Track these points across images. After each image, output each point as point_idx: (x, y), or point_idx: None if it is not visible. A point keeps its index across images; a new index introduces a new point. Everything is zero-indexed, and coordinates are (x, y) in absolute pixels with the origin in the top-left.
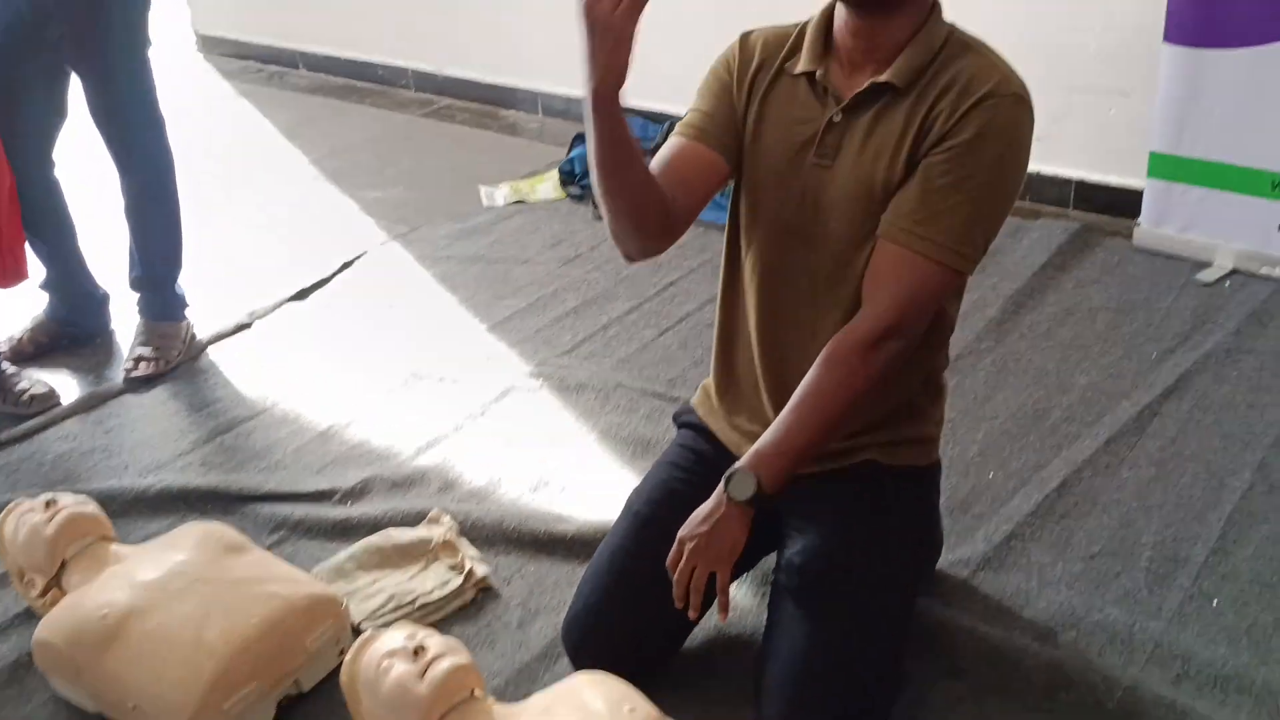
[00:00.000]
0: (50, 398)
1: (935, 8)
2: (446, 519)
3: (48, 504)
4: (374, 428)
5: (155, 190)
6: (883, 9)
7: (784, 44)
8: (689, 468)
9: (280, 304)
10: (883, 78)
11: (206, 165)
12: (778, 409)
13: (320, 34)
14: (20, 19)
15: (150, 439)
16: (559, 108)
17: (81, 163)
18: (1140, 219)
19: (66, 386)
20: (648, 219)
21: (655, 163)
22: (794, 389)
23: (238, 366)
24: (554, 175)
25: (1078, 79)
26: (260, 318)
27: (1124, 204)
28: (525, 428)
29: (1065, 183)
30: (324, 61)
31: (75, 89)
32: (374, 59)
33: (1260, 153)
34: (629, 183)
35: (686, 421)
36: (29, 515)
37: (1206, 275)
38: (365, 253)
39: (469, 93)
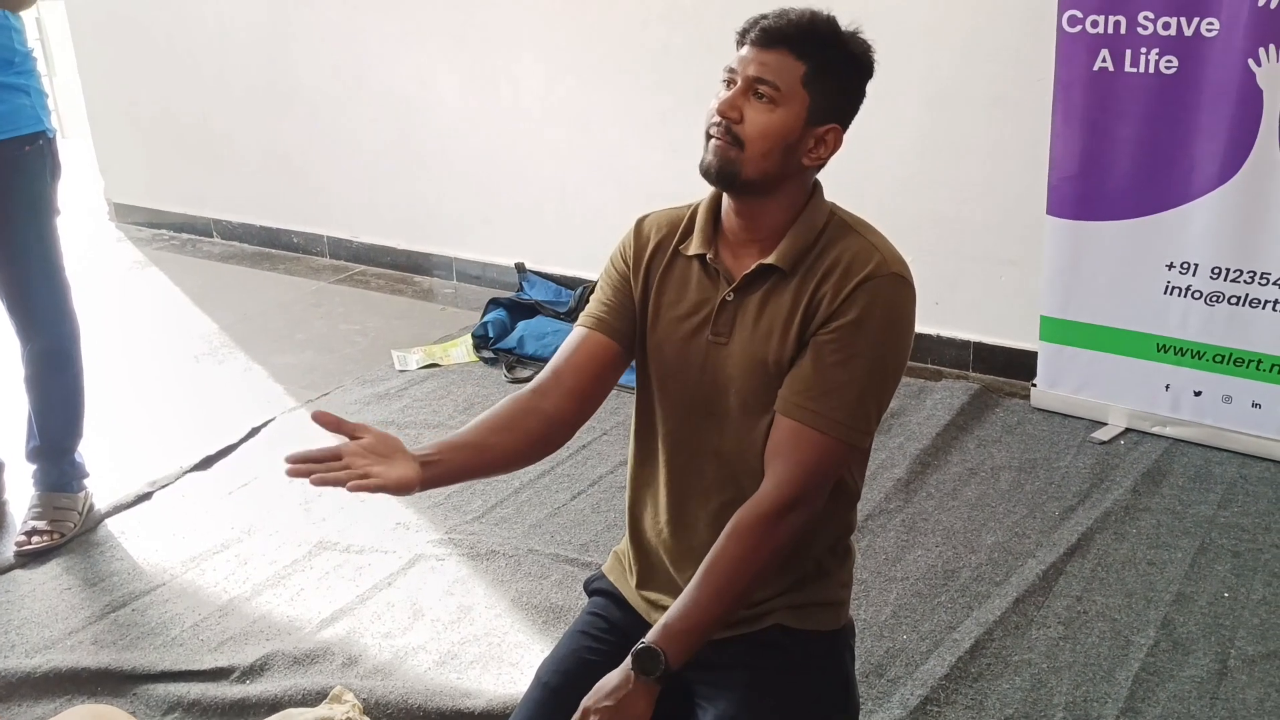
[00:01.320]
0: None
1: (816, 189)
2: (349, 697)
3: None
4: (276, 601)
5: (58, 358)
6: (758, 194)
7: (677, 226)
8: (600, 636)
9: (183, 473)
10: (768, 260)
11: (113, 333)
12: (685, 578)
13: (234, 201)
14: None
15: (40, 616)
16: (474, 273)
17: None
18: (1036, 380)
19: None
20: (533, 452)
21: (560, 353)
22: (700, 559)
23: (136, 538)
24: (467, 339)
25: (969, 248)
26: (162, 487)
27: (1020, 366)
28: (433, 598)
29: (964, 345)
30: (238, 229)
31: None
32: (289, 226)
33: (1142, 317)
34: (495, 464)
35: (598, 588)
36: None
37: (1102, 434)
38: (273, 419)
39: (384, 259)
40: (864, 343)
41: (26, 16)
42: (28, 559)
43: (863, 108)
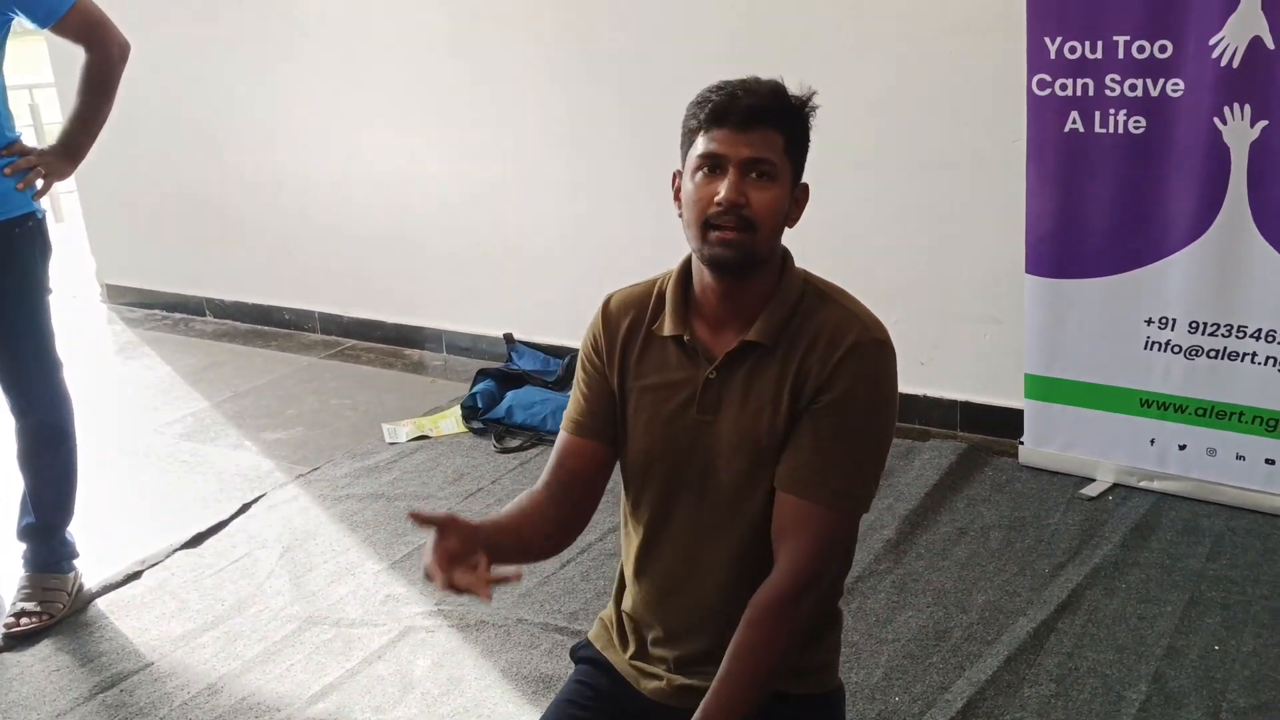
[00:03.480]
0: None
1: (786, 258)
2: None
3: None
4: (266, 677)
5: (50, 435)
6: (748, 274)
7: (645, 304)
8: (586, 704)
9: (173, 551)
10: (750, 337)
11: (105, 412)
12: (664, 647)
13: (226, 280)
14: None
15: (27, 699)
16: (463, 345)
17: None
18: (1024, 438)
19: None
20: (538, 553)
21: (552, 457)
22: (682, 631)
23: (126, 617)
24: (457, 411)
25: (953, 308)
26: (151, 565)
27: (1008, 424)
28: (423, 670)
29: (951, 404)
30: (230, 307)
31: None
32: (281, 303)
33: (1124, 372)
34: (522, 559)
35: (584, 656)
36: None
37: (1090, 490)
38: (263, 495)
39: (374, 333)
40: (858, 413)
41: (18, 101)
42: (16, 641)
43: (846, 174)
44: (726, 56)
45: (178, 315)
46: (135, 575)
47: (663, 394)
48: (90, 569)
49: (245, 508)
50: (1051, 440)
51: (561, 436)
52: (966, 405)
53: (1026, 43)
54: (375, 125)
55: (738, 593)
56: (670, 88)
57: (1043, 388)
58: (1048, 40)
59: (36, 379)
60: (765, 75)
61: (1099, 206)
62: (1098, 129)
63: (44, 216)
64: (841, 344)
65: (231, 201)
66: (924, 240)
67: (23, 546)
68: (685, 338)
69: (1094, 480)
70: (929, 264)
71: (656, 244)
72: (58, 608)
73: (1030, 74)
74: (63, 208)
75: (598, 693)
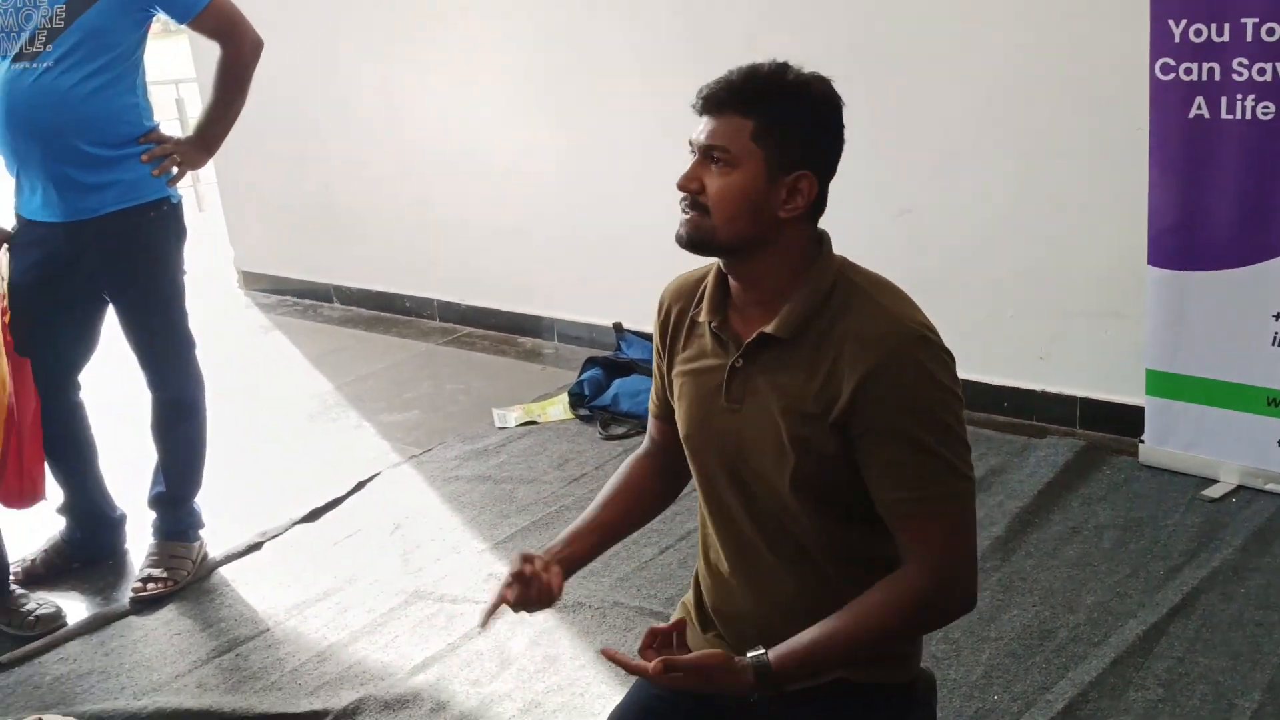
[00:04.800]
0: (55, 619)
1: (822, 245)
2: None
3: None
4: (371, 647)
5: (183, 410)
6: (742, 256)
7: (694, 292)
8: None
9: (291, 525)
10: (768, 329)
11: (236, 392)
12: (731, 632)
13: (352, 269)
14: (58, 251)
15: (149, 660)
16: (574, 334)
17: (114, 381)
18: (1144, 436)
19: (74, 607)
20: (660, 505)
21: (647, 439)
22: (735, 618)
23: (245, 586)
24: (564, 398)
25: (1072, 301)
26: (271, 538)
27: (1128, 421)
28: (520, 647)
29: (1070, 401)
30: (355, 294)
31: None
32: (402, 291)
33: (1250, 370)
34: (625, 532)
35: None
36: None
37: (1212, 491)
38: (378, 474)
39: (489, 321)
40: (916, 420)
41: (163, 96)
42: (142, 606)
43: (962, 164)
44: (846, 46)
45: (307, 301)
46: (256, 546)
47: (699, 380)
48: (214, 538)
49: (360, 486)
50: (1173, 439)
51: (649, 424)
52: (1085, 401)
53: (1150, 26)
54: (492, 118)
55: (785, 585)
56: None
57: (1165, 384)
58: (1172, 23)
59: (170, 356)
60: (879, 66)
61: (1225, 196)
62: (1224, 115)
63: (179, 202)
64: (876, 348)
65: (357, 193)
66: (1042, 231)
67: (152, 515)
68: (714, 324)
69: (1216, 481)
70: (1047, 256)
71: None
72: (182, 574)
73: (1153, 58)
74: (204, 198)
75: None
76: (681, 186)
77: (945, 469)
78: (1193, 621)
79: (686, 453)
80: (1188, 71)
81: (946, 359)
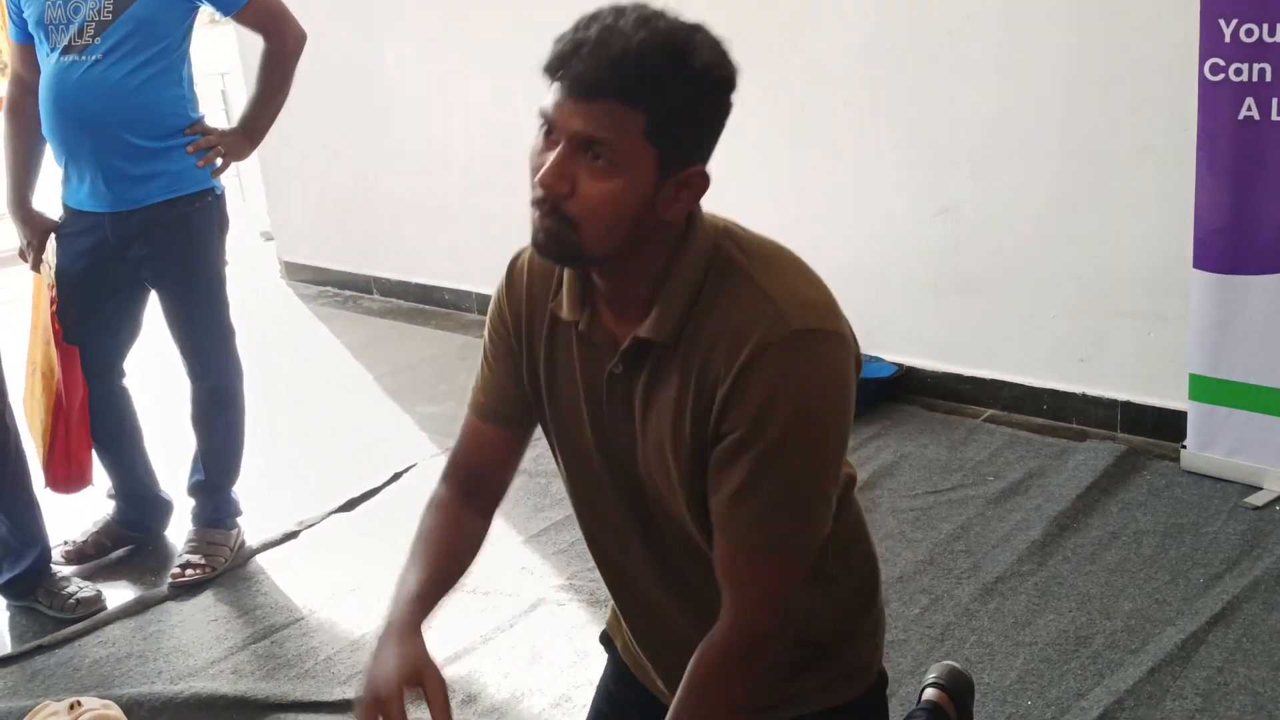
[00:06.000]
0: (95, 602)
1: (690, 227)
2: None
3: (71, 706)
4: None
5: (222, 398)
6: (613, 264)
7: (551, 273)
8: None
9: (328, 514)
10: (641, 333)
11: (276, 383)
12: (637, 637)
13: (392, 261)
14: (104, 240)
15: (186, 645)
16: None
17: (158, 371)
18: (1186, 442)
19: (114, 592)
20: (477, 553)
21: (456, 449)
22: (654, 629)
23: (282, 574)
24: None
25: (1115, 304)
26: (308, 527)
27: (1170, 426)
28: (553, 641)
29: (1111, 404)
30: (395, 286)
31: (151, 304)
32: (441, 283)
33: None
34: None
35: (605, 639)
36: (53, 719)
37: (1255, 499)
38: (414, 465)
39: None
40: (778, 435)
41: (209, 88)
42: (180, 591)
43: (1004, 163)
44: (888, 47)
45: (348, 293)
46: (293, 535)
47: (572, 386)
48: (252, 526)
49: (397, 476)
50: (1216, 445)
51: (466, 421)
52: (1127, 405)
53: (1200, 25)
54: (533, 111)
55: (678, 596)
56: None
57: (1208, 389)
58: (1222, 22)
59: (211, 345)
60: (920, 63)
61: (1274, 200)
62: (1274, 117)
63: (223, 193)
64: (746, 342)
65: (396, 186)
66: (1085, 232)
67: (191, 502)
68: (581, 326)
69: (1260, 489)
70: (1090, 257)
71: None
72: (220, 561)
73: (1202, 59)
74: (248, 189)
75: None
76: (546, 185)
77: (799, 508)
78: (1233, 631)
79: (559, 457)
80: (1238, 72)
81: (830, 354)
